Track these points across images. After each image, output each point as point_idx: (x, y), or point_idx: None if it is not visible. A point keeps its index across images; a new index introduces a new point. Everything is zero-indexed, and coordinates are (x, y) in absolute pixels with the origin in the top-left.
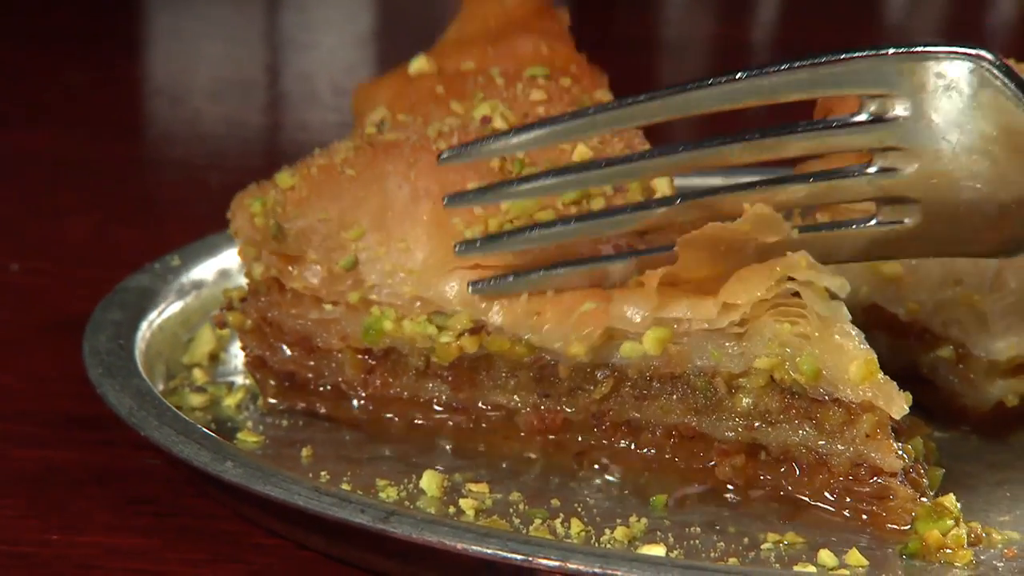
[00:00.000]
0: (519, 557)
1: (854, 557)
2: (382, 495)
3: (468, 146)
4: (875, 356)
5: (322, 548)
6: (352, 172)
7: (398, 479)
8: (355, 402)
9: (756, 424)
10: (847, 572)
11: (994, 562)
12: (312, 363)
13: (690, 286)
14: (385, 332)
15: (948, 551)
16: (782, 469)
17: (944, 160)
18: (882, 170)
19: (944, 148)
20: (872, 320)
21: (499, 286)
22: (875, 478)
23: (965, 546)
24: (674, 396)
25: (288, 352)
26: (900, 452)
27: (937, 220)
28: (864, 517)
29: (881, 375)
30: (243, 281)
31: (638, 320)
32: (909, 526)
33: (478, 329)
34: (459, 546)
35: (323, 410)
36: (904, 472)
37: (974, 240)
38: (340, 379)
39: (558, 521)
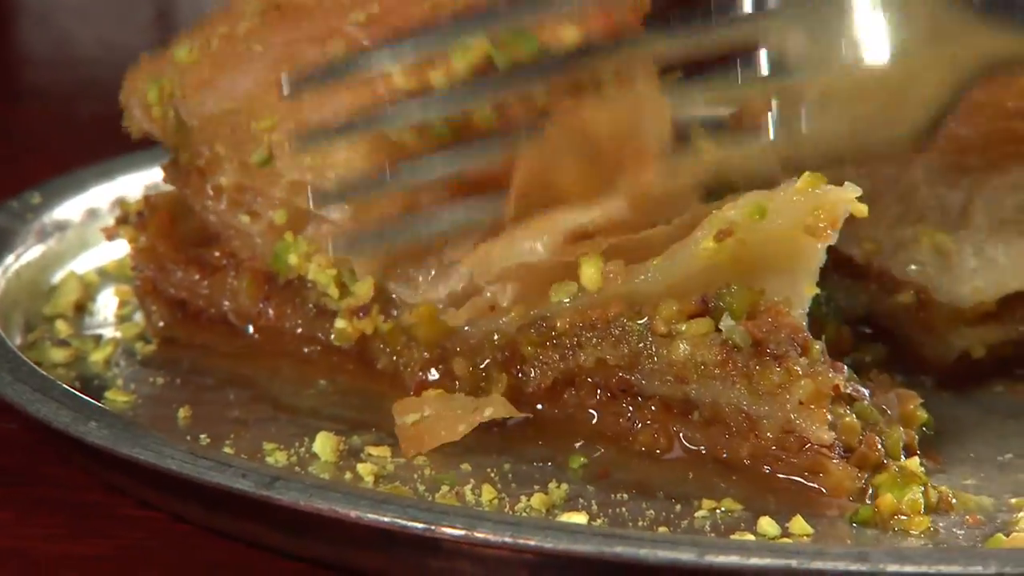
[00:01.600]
0: (420, 526)
1: (798, 525)
2: (269, 460)
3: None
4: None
5: (200, 520)
6: (259, 48)
7: (288, 442)
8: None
9: (690, 377)
10: (790, 541)
11: (954, 529)
12: (205, 288)
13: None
14: (291, 266)
15: (904, 518)
16: (711, 431)
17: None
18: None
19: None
20: (827, 262)
21: (367, 240)
22: (806, 448)
23: (922, 511)
24: (605, 344)
25: (181, 275)
26: (836, 423)
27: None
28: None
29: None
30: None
31: (540, 248)
32: (852, 498)
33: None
34: (352, 514)
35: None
36: (846, 446)
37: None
38: (233, 307)
39: (468, 488)
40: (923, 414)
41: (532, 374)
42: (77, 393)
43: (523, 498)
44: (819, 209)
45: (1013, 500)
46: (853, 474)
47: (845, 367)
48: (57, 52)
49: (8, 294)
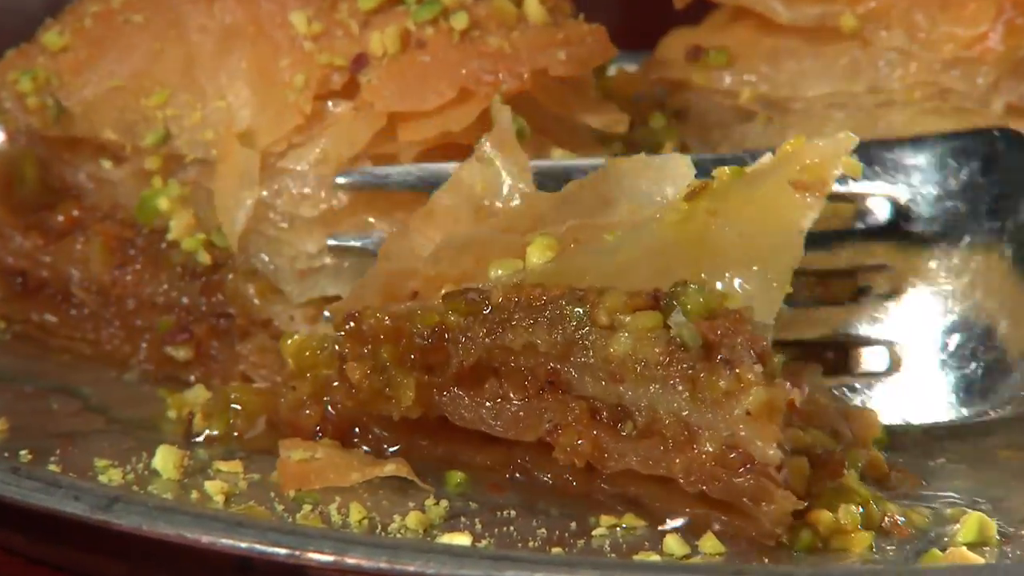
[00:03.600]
0: (282, 551)
1: (709, 543)
2: (103, 478)
3: None
4: None
5: (23, 549)
6: (139, 18)
7: (123, 458)
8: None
9: (626, 377)
10: (700, 560)
11: (884, 545)
12: (49, 257)
13: None
14: (159, 212)
15: (843, 536)
16: (642, 445)
17: None
18: None
19: None
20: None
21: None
22: (748, 468)
23: (860, 527)
24: (538, 327)
25: (20, 241)
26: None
27: None
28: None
29: None
30: None
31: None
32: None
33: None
34: (204, 539)
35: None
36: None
37: None
38: (83, 276)
39: (333, 507)
40: (878, 431)
41: (454, 355)
42: None
43: (396, 517)
44: (807, 165)
45: (948, 511)
46: (792, 502)
47: (806, 388)
48: None
49: None
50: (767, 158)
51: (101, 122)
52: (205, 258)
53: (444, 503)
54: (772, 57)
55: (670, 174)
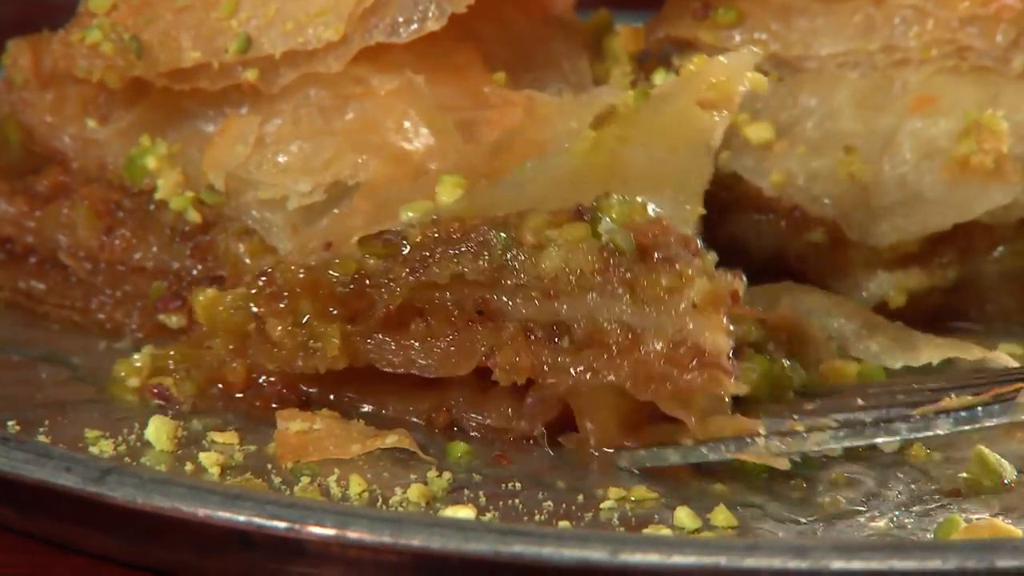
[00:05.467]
0: (281, 525)
1: (721, 516)
2: (94, 449)
3: None
4: None
5: (14, 523)
6: None
7: (115, 428)
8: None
9: (561, 291)
10: (712, 535)
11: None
12: (35, 223)
13: None
14: (148, 171)
15: None
16: (584, 355)
17: None
18: None
19: None
20: (732, 196)
21: None
22: (699, 361)
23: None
24: (463, 258)
25: (5, 207)
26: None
27: None
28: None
29: None
30: None
31: None
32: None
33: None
34: (201, 512)
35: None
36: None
37: None
38: (70, 242)
39: (332, 479)
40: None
41: (377, 299)
42: None
43: (398, 490)
44: (713, 83)
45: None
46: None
47: (744, 279)
48: None
49: None
50: (672, 80)
51: (179, 47)
52: (195, 216)
53: (447, 475)
54: (783, 15)
55: (596, 110)
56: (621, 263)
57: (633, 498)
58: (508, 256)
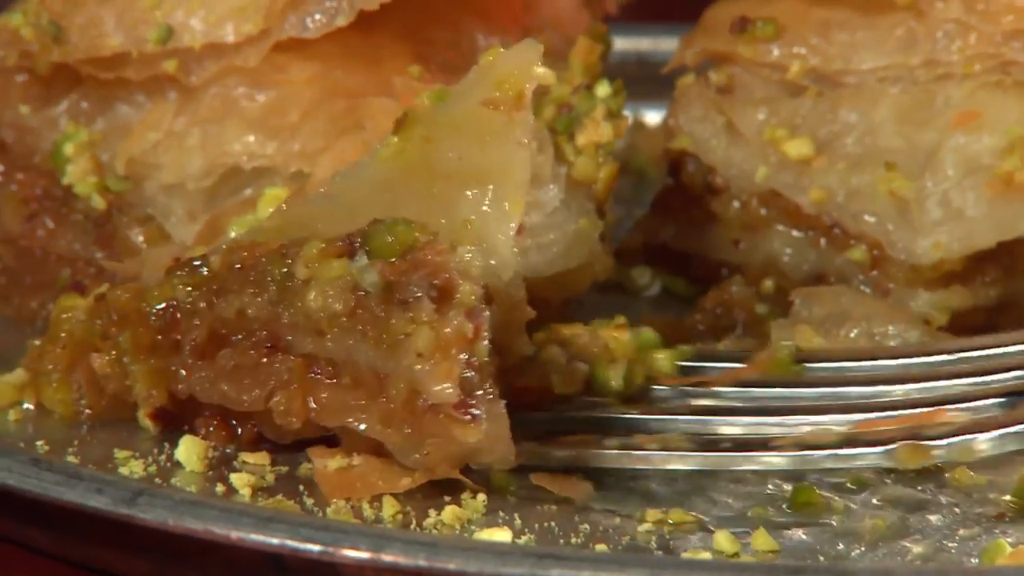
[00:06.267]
0: (315, 548)
1: (761, 539)
2: (123, 470)
3: None
4: None
5: (43, 545)
6: None
7: (145, 449)
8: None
9: (326, 331)
10: (752, 559)
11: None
12: None
13: None
14: (66, 157)
15: None
16: (343, 396)
17: None
18: None
19: None
20: (770, 213)
21: None
22: (431, 410)
23: None
24: (245, 292)
25: None
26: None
27: None
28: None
29: None
30: None
31: None
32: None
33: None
34: (234, 535)
35: None
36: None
37: None
38: None
39: (365, 502)
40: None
41: (185, 331)
42: None
43: (432, 512)
44: (502, 80)
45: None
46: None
47: (486, 314)
48: None
49: None
50: (468, 76)
51: (101, 34)
52: (99, 203)
53: (481, 497)
54: (823, 28)
55: None
56: (370, 304)
57: (671, 521)
58: (284, 291)
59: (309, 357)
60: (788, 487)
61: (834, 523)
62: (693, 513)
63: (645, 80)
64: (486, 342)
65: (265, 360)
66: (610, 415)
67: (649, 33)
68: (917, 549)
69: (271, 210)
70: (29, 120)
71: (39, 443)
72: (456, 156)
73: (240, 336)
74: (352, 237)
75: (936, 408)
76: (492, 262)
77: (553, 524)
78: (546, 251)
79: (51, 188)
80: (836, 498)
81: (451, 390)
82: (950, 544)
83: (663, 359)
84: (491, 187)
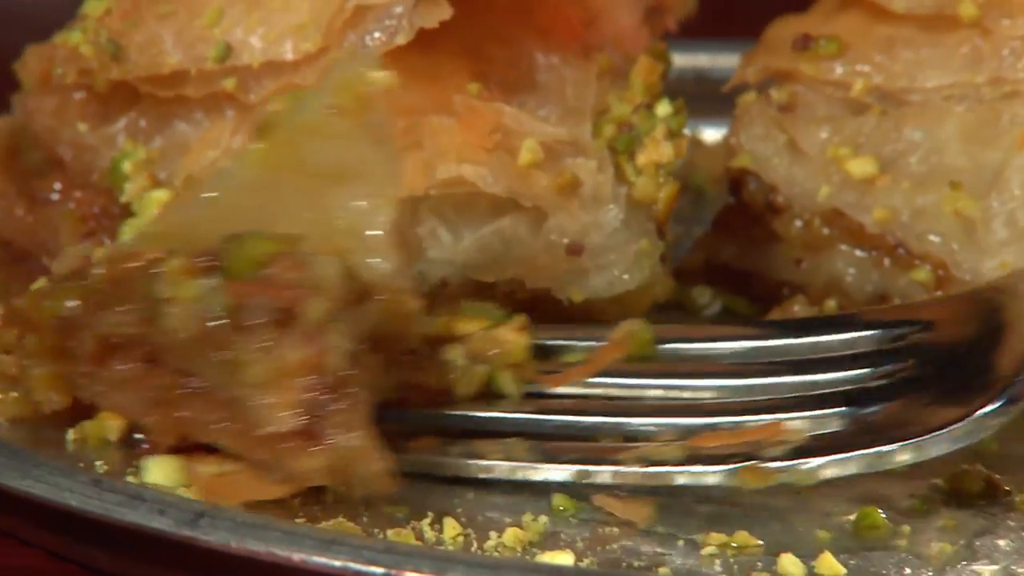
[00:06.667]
0: (379, 571)
1: (827, 564)
2: (184, 491)
3: None
4: None
5: (104, 565)
6: None
7: None
8: None
9: (186, 353)
10: None
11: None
12: (29, 225)
13: None
14: (124, 175)
15: None
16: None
17: None
18: None
19: None
20: (833, 232)
21: None
22: (272, 436)
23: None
24: (113, 306)
25: (13, 209)
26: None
27: None
28: None
29: None
30: None
31: None
32: None
33: None
34: (296, 557)
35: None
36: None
37: None
38: (54, 248)
39: (425, 522)
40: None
41: (78, 339)
42: None
43: (493, 534)
44: (343, 86)
45: None
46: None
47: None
48: None
49: None
50: (319, 81)
51: (160, 52)
52: None
53: (543, 519)
54: (887, 46)
55: None
56: (218, 328)
57: (735, 544)
58: (152, 308)
59: (179, 373)
60: (852, 508)
61: (900, 547)
62: (758, 536)
63: (703, 97)
64: (341, 354)
65: (144, 374)
66: (455, 414)
67: (707, 49)
68: (987, 574)
69: (148, 214)
70: (87, 138)
71: (98, 463)
72: (320, 158)
73: (124, 348)
74: (210, 254)
75: (774, 418)
76: (372, 259)
77: (615, 547)
78: (606, 272)
79: (109, 206)
80: (902, 522)
81: (287, 419)
82: (1019, 569)
83: (515, 342)
84: (359, 185)
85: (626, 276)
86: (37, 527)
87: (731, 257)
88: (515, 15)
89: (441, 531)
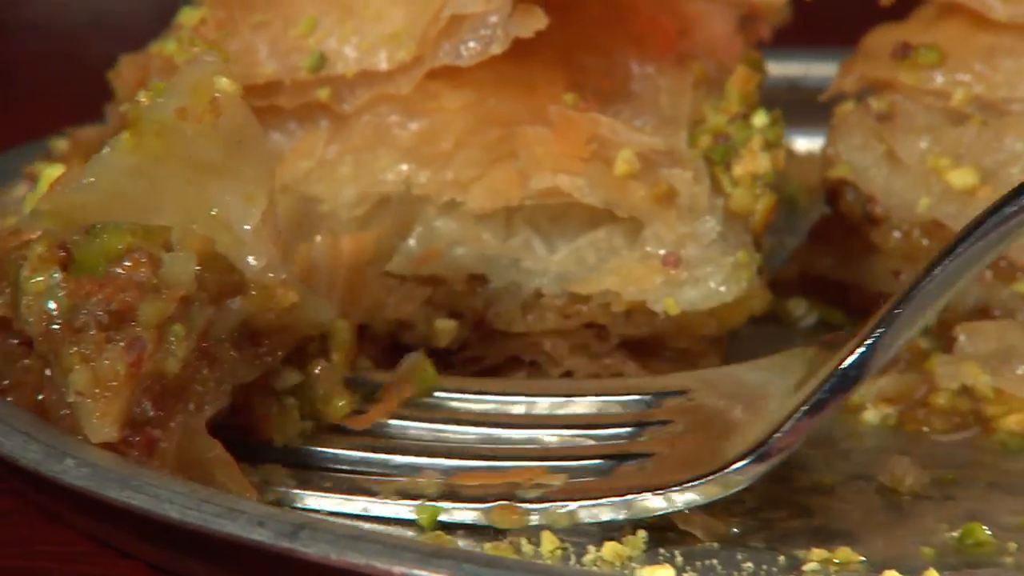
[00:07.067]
0: None
1: None
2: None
3: None
4: None
5: None
6: None
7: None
8: None
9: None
10: None
11: None
12: None
13: None
14: None
15: None
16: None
17: None
18: None
19: None
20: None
21: None
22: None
23: None
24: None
25: None
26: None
27: None
28: None
29: None
30: None
31: None
32: None
33: None
34: (397, 570)
35: None
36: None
37: None
38: None
39: (523, 537)
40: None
41: None
42: (39, 419)
43: (591, 548)
44: (191, 90)
45: None
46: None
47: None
48: None
49: None
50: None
51: (255, 62)
52: None
53: (642, 533)
54: (987, 55)
55: None
56: (54, 326)
57: (837, 560)
58: (15, 292)
59: (44, 361)
60: (956, 525)
61: (1006, 564)
62: (861, 552)
63: (795, 105)
64: (173, 360)
65: (20, 353)
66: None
67: (799, 58)
68: None
69: (42, 190)
70: None
71: None
72: (189, 153)
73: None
74: (65, 244)
75: (533, 465)
76: (244, 254)
77: (715, 562)
78: (702, 284)
79: None
80: (1008, 538)
81: (109, 430)
82: None
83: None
84: (231, 181)
85: (723, 288)
86: (137, 538)
87: (828, 268)
88: (609, 24)
89: (539, 544)
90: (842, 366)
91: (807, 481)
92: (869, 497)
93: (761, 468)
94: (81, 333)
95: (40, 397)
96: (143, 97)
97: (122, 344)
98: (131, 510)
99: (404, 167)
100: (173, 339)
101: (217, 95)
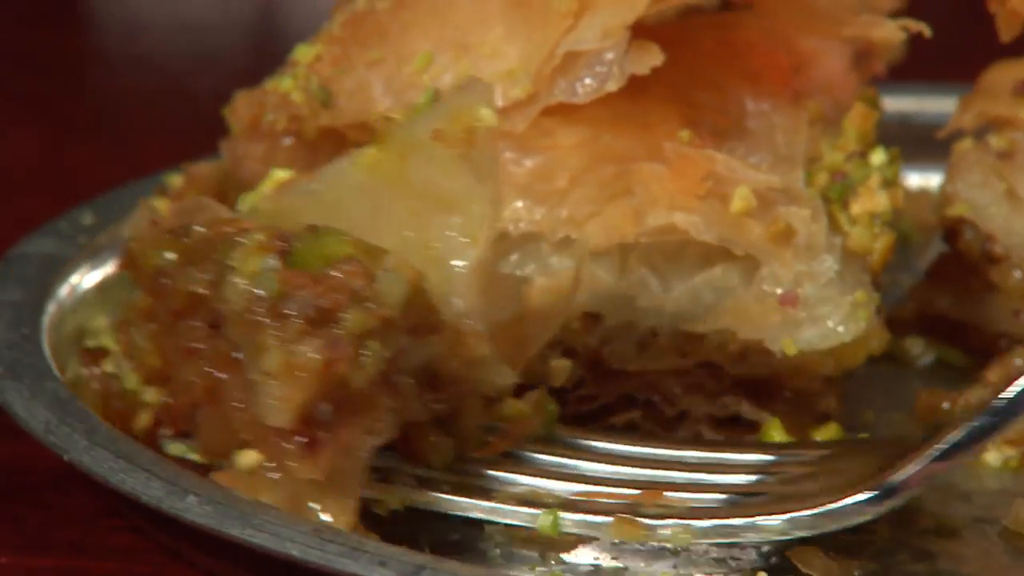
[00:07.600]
0: None
1: None
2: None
3: None
4: None
5: None
6: (385, 3)
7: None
8: None
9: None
10: None
11: None
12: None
13: None
14: None
15: None
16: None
17: None
18: None
19: None
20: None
21: None
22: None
23: None
24: (197, 266)
25: None
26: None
27: None
28: None
29: None
30: None
31: None
32: None
33: None
34: None
35: None
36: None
37: None
38: None
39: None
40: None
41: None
42: (162, 457)
43: None
44: (452, 116)
45: None
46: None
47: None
48: (171, 17)
49: (64, 333)
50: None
51: (369, 99)
52: None
53: (761, 575)
54: None
55: None
56: (259, 308)
57: None
58: (220, 275)
59: (230, 343)
60: None
61: None
62: None
63: (908, 141)
64: (362, 373)
65: (205, 336)
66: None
67: (913, 92)
68: None
69: (266, 191)
70: None
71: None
72: (423, 178)
73: (197, 307)
74: (286, 237)
75: (656, 488)
76: (450, 295)
77: None
78: (820, 324)
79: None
80: None
81: (285, 415)
82: None
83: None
84: (457, 217)
85: (841, 328)
86: (247, 573)
87: (946, 307)
88: (722, 61)
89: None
90: (982, 413)
91: (929, 524)
92: (992, 541)
93: (885, 506)
94: (284, 319)
95: (215, 378)
96: (398, 114)
97: (321, 341)
98: (253, 548)
99: (519, 204)
100: (368, 354)
101: (477, 124)
